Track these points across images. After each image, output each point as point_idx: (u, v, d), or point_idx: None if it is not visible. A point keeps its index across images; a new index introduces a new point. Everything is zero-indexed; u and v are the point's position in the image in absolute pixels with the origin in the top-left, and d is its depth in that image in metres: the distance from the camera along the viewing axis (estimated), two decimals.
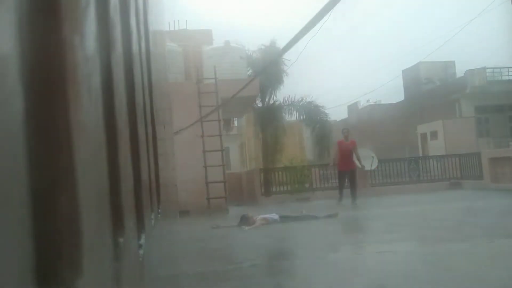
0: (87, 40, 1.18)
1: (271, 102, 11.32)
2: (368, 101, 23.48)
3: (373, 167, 9.96)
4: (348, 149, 8.24)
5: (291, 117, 11.87)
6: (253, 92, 9.46)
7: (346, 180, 8.28)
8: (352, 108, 24.19)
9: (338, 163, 8.36)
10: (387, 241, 4.14)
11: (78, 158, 0.93)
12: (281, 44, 10.54)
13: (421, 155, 16.38)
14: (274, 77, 10.92)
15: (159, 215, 4.10)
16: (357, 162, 8.67)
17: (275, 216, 6.00)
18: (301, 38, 3.41)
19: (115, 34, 1.62)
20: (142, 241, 1.97)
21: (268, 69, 9.73)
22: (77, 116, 0.96)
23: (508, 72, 18.83)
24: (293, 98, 11.45)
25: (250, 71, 10.44)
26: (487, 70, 18.53)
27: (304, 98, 11.34)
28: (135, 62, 2.41)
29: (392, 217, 6.09)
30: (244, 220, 5.79)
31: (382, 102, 22.94)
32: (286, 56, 10.54)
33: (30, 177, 0.66)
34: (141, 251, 1.86)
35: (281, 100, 11.41)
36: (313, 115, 11.38)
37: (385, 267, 3.12)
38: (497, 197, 7.77)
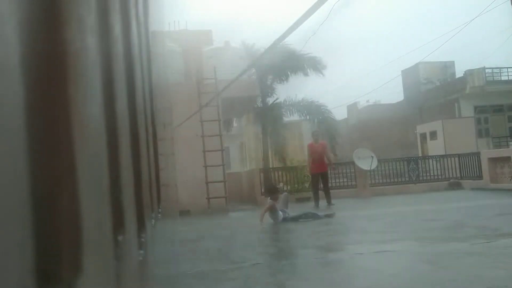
0: (87, 41, 1.18)
1: (272, 101, 11.31)
2: (367, 101, 23.52)
3: (373, 167, 9.96)
4: (318, 151, 8.22)
5: (292, 116, 11.87)
6: (253, 92, 9.46)
7: (320, 182, 8.25)
8: (352, 108, 24.20)
9: (310, 166, 8.35)
10: (381, 241, 4.14)
11: (79, 158, 0.94)
12: (285, 44, 10.44)
13: (420, 155, 16.38)
14: (284, 74, 10.86)
15: (159, 215, 4.10)
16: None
17: (280, 214, 6.01)
18: (291, 33, 3.40)
19: (116, 35, 1.62)
20: (143, 240, 1.97)
21: (268, 68, 9.70)
22: (78, 116, 0.97)
23: (508, 72, 18.85)
24: (293, 98, 11.45)
25: (253, 70, 10.40)
26: (487, 70, 18.55)
27: (305, 98, 11.33)
28: (136, 63, 2.41)
29: (389, 217, 6.10)
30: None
31: (382, 102, 22.97)
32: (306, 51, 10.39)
33: (31, 176, 0.67)
34: (141, 250, 1.86)
35: (282, 100, 11.40)
36: (316, 114, 11.35)
37: (382, 267, 3.12)
38: (496, 197, 7.78)
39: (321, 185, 8.32)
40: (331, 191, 8.86)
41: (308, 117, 11.68)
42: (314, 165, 8.23)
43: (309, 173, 8.60)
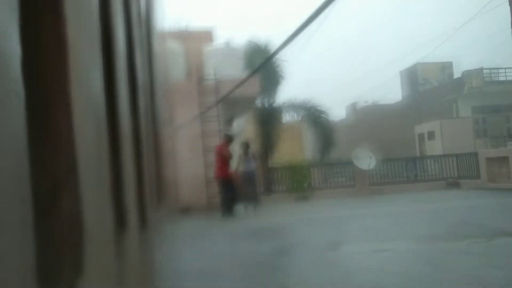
0: (89, 41, 1.19)
1: (271, 102, 11.36)
2: (366, 101, 23.52)
3: (371, 166, 10.01)
4: None
5: (292, 117, 11.93)
6: (253, 93, 9.47)
7: None
8: (350, 108, 24.23)
9: None
10: (380, 240, 4.16)
11: (81, 157, 0.95)
12: (277, 42, 10.51)
13: (418, 155, 16.43)
14: (273, 77, 10.95)
15: (160, 213, 4.09)
16: None
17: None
18: (296, 37, 3.43)
19: (118, 35, 1.63)
20: (144, 238, 1.98)
21: (266, 68, 9.74)
22: (80, 115, 0.98)
23: (505, 72, 18.92)
24: (293, 99, 11.51)
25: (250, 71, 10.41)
26: (484, 71, 18.61)
27: (308, 101, 11.42)
28: (138, 62, 2.42)
29: (388, 216, 6.12)
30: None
31: (380, 102, 22.98)
32: (284, 56, 10.60)
33: (32, 175, 0.68)
34: (143, 248, 1.87)
35: (282, 102, 11.46)
36: (314, 116, 11.43)
37: (381, 266, 3.14)
38: (494, 197, 7.81)
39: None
40: (330, 190, 8.85)
41: (304, 119, 11.75)
42: None
43: None
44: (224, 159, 7.15)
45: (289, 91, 11.55)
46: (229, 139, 7.52)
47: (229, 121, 10.44)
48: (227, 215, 6.94)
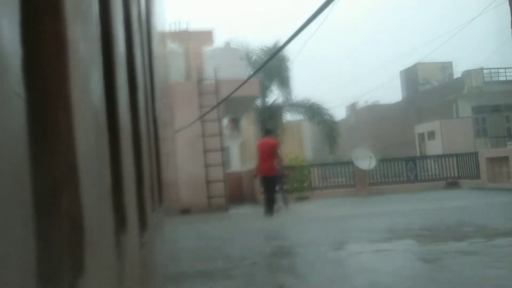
0: (90, 41, 1.19)
1: (272, 102, 11.39)
2: (366, 101, 23.56)
3: (371, 166, 10.02)
4: None
5: (292, 117, 11.97)
6: (253, 92, 9.48)
7: None
8: (351, 108, 24.27)
9: None
10: (380, 240, 4.17)
11: (81, 158, 0.95)
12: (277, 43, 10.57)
13: (418, 154, 16.45)
14: (278, 76, 11.00)
15: (161, 214, 4.09)
16: None
17: None
18: (296, 37, 3.43)
19: (118, 36, 1.63)
20: (145, 239, 1.98)
21: (268, 68, 9.78)
22: (79, 116, 0.98)
23: (505, 72, 18.95)
24: (294, 99, 11.54)
25: (251, 72, 10.46)
26: (484, 71, 18.65)
27: (305, 99, 11.45)
28: (138, 63, 2.42)
29: (388, 215, 6.13)
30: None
31: (380, 102, 23.03)
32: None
33: (33, 177, 0.68)
34: (143, 250, 1.87)
35: (282, 101, 11.49)
36: (317, 115, 11.47)
37: (381, 266, 3.14)
38: (494, 196, 7.82)
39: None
40: (330, 190, 8.85)
41: (306, 118, 11.77)
42: None
43: None
44: (270, 154, 6.80)
45: (288, 91, 11.55)
46: (268, 133, 7.15)
47: (233, 121, 10.44)
48: (268, 214, 6.69)
